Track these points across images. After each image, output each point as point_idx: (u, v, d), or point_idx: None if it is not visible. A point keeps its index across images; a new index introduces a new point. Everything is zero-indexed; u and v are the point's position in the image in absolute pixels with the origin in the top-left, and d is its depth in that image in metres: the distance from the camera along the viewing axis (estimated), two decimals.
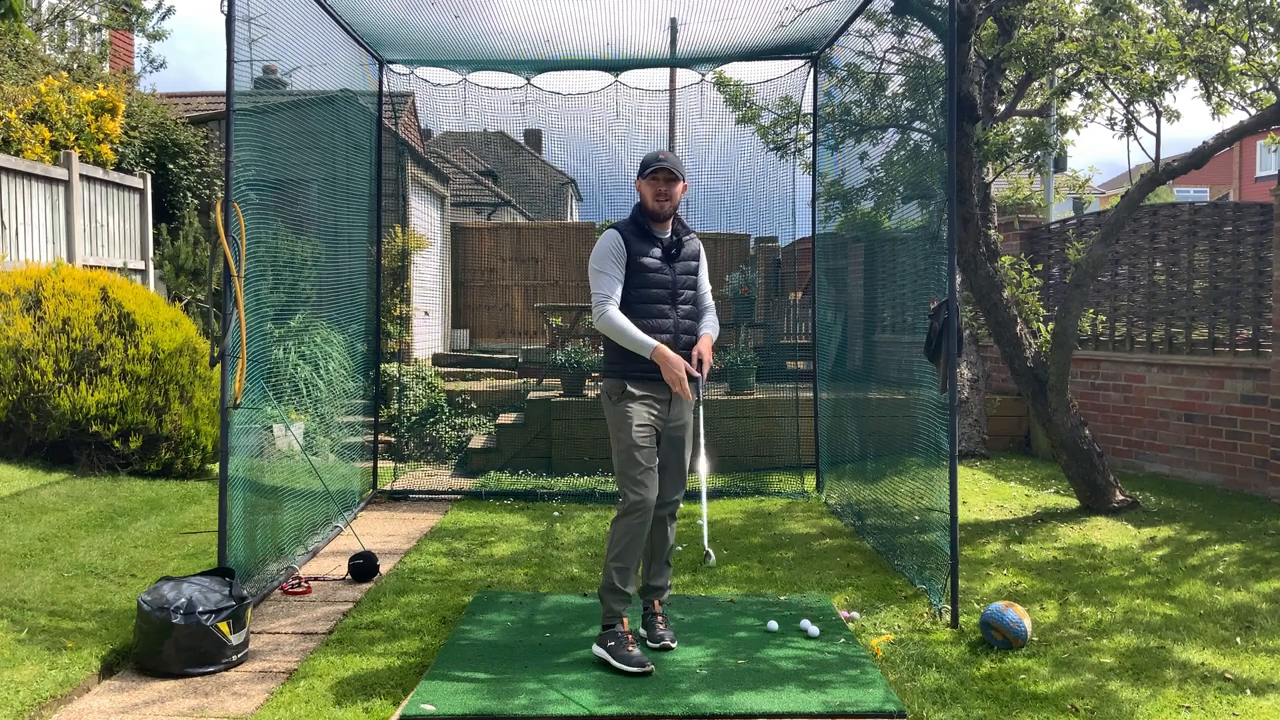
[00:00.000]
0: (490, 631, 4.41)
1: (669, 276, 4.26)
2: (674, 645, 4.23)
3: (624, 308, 4.19)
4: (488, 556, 5.81)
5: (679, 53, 7.32)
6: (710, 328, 4.37)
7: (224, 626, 3.98)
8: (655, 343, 4.10)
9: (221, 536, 4.54)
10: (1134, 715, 3.57)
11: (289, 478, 6.29)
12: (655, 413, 4.20)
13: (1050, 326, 6.78)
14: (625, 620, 4.10)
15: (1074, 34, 6.22)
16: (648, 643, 4.22)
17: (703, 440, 4.27)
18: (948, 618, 4.54)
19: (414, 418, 9.74)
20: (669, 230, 4.33)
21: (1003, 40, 6.38)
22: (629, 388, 4.18)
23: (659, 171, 4.21)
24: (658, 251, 4.24)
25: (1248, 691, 3.78)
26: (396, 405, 9.66)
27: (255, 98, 5.18)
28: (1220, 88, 6.03)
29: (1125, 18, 5.93)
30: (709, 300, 4.45)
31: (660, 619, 4.34)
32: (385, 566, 5.51)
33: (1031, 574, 5.30)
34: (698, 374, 4.16)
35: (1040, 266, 8.34)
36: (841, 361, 7.61)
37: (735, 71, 7.67)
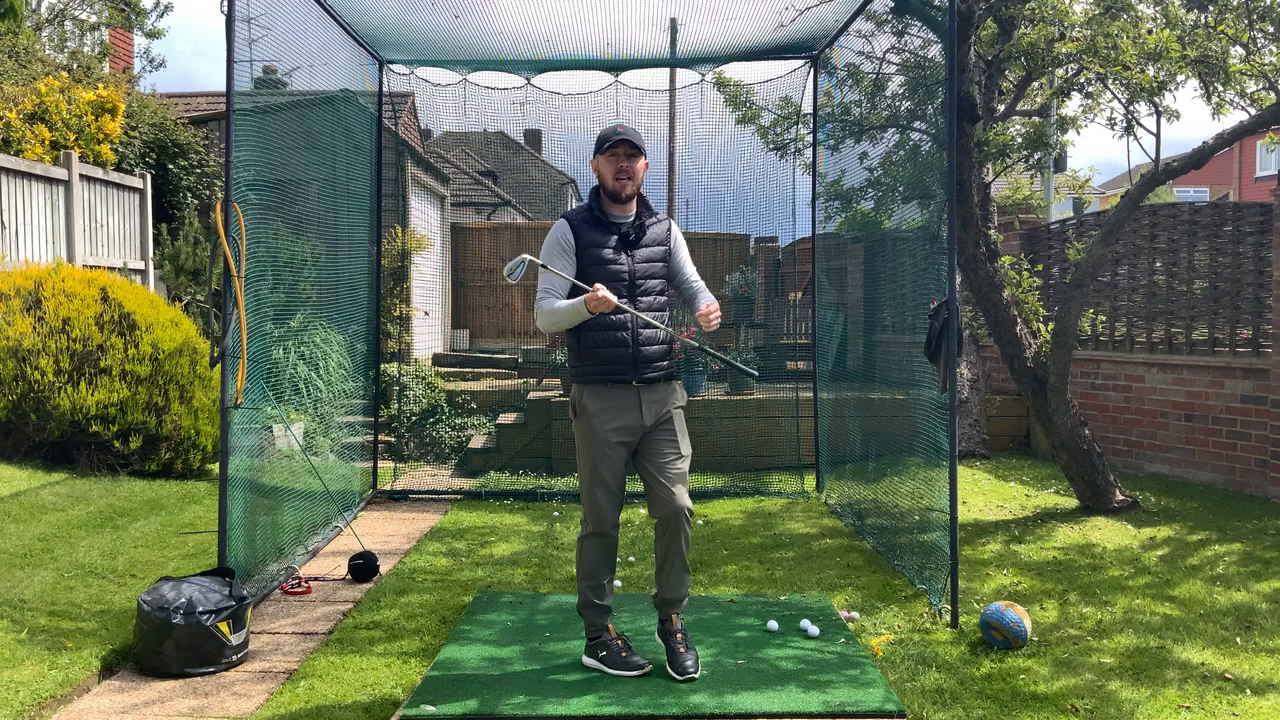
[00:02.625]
0: (490, 631, 4.41)
1: (625, 267, 3.83)
2: (697, 675, 3.82)
3: None
4: (488, 556, 5.81)
5: (679, 53, 7.32)
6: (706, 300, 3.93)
7: (224, 626, 3.98)
8: (583, 297, 3.69)
9: (221, 536, 4.54)
10: (1134, 715, 3.58)
11: (289, 478, 6.29)
12: (624, 423, 3.84)
13: (1050, 326, 6.78)
14: (611, 627, 4.00)
15: (1074, 34, 6.22)
16: (670, 670, 3.84)
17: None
18: (948, 618, 4.54)
19: (414, 418, 9.74)
20: (631, 212, 3.91)
21: (1003, 40, 6.38)
22: (586, 399, 3.86)
23: (619, 145, 3.78)
24: (613, 239, 3.84)
25: (1248, 691, 3.78)
26: (396, 405, 9.66)
27: (255, 98, 5.18)
28: (1220, 88, 6.03)
29: (1125, 18, 5.93)
30: (697, 284, 4.03)
31: (679, 638, 3.93)
32: (385, 566, 5.51)
33: (1031, 574, 5.30)
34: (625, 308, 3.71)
35: (1040, 266, 8.34)
36: (841, 361, 7.61)
37: (735, 71, 7.67)
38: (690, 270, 4.05)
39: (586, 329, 3.85)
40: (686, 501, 3.88)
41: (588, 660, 4.00)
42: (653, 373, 3.90)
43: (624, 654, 3.93)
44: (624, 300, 3.82)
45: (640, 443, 3.92)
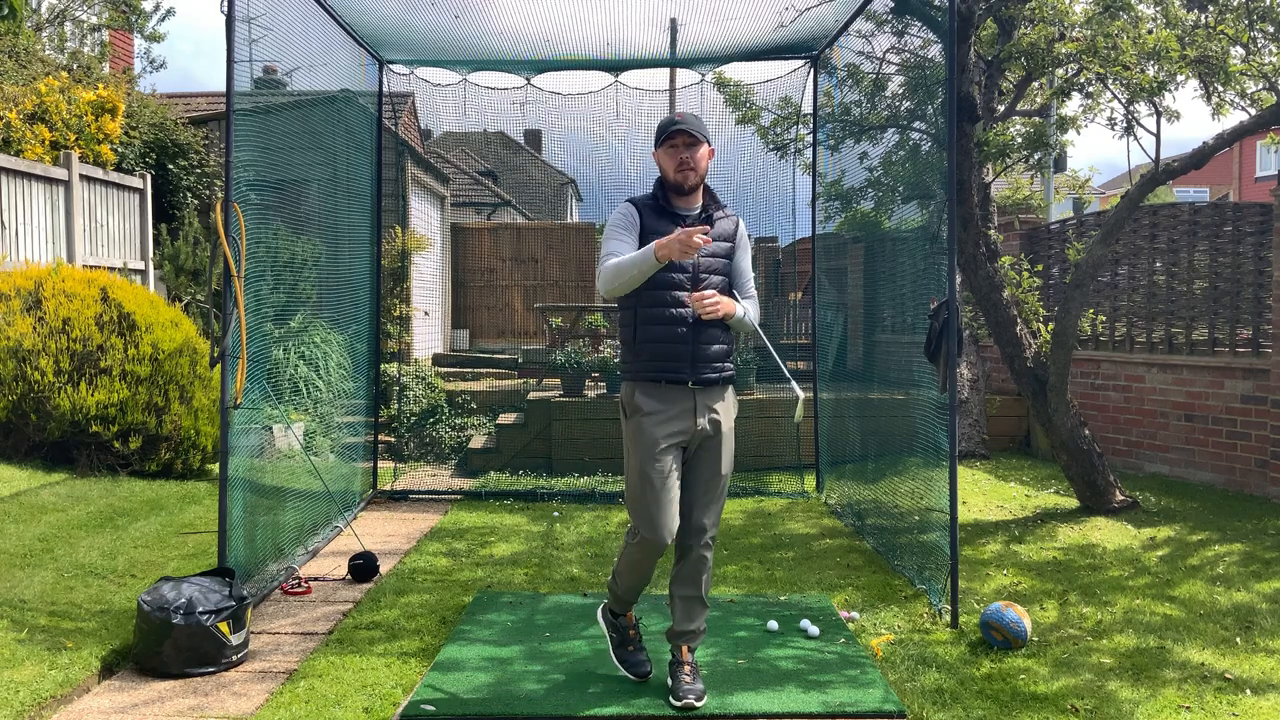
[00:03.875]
0: (490, 631, 4.41)
1: (689, 259, 3.59)
2: (699, 705, 3.57)
3: (633, 299, 3.62)
4: (488, 556, 5.81)
5: (679, 53, 7.32)
6: (743, 306, 3.71)
7: (224, 626, 3.98)
8: (650, 245, 3.45)
9: (221, 536, 4.54)
10: (1134, 715, 3.57)
11: (289, 478, 6.29)
12: (676, 427, 3.62)
13: (1050, 326, 6.78)
14: (631, 614, 3.91)
15: (1074, 34, 6.22)
16: (669, 698, 3.63)
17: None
18: (948, 618, 4.54)
19: (414, 418, 9.74)
20: (696, 205, 3.72)
21: (1003, 40, 6.38)
22: (639, 399, 3.63)
23: (677, 135, 3.60)
24: (677, 230, 3.54)
25: (1248, 691, 3.78)
26: (396, 405, 9.66)
27: (255, 98, 5.18)
28: (1220, 88, 6.03)
29: (1125, 18, 5.93)
30: (751, 290, 3.81)
31: (687, 669, 3.69)
32: (385, 566, 5.51)
33: (1031, 574, 5.30)
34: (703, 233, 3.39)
35: (1040, 266, 8.34)
36: (841, 362, 7.61)
37: (735, 72, 7.67)
38: (747, 275, 3.82)
39: (643, 322, 3.64)
40: (709, 530, 3.70)
41: (600, 619, 3.95)
42: (711, 373, 3.68)
43: (632, 649, 3.85)
44: (684, 293, 3.61)
45: (686, 450, 3.72)
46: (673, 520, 3.60)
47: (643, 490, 3.59)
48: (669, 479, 3.60)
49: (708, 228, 3.55)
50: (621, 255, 3.58)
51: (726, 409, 3.77)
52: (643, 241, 3.62)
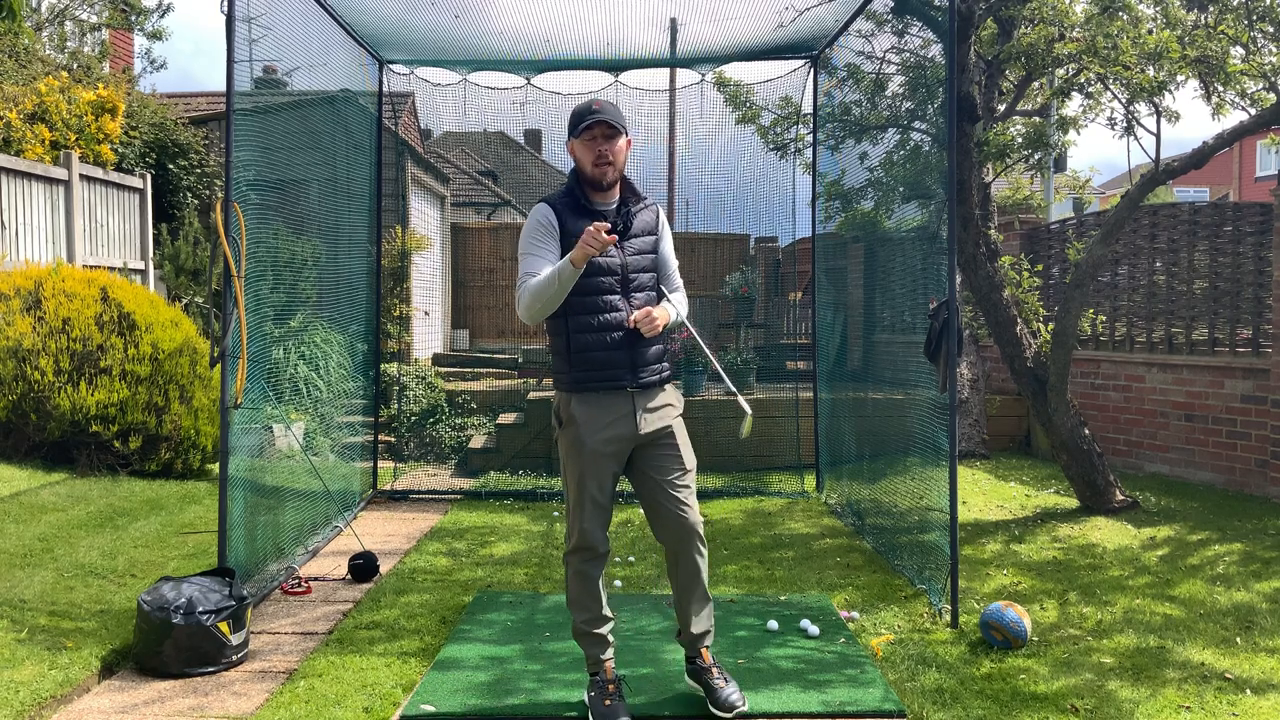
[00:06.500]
0: (490, 631, 4.41)
1: (617, 260, 3.44)
2: (745, 706, 3.49)
3: (562, 307, 3.41)
4: (488, 556, 5.81)
5: (679, 53, 7.32)
6: (673, 306, 3.59)
7: (224, 626, 3.98)
8: (565, 259, 3.28)
9: (221, 536, 4.54)
10: (1134, 715, 3.57)
11: (289, 478, 6.29)
12: (616, 432, 3.48)
13: (1050, 326, 6.78)
14: (609, 666, 3.57)
15: (1074, 34, 6.22)
16: (712, 709, 3.49)
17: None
18: (948, 618, 4.54)
19: (414, 418, 9.74)
20: (614, 199, 3.51)
21: (1003, 40, 6.38)
22: (574, 408, 3.47)
23: (595, 126, 3.38)
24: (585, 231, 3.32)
25: (1248, 691, 3.78)
26: (396, 405, 9.66)
27: (255, 98, 5.18)
28: (1220, 88, 6.03)
29: (1125, 18, 5.93)
30: (677, 280, 3.67)
31: (715, 673, 3.57)
32: (385, 566, 5.51)
33: (1031, 574, 5.30)
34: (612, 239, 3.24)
35: (1040, 266, 8.34)
36: (841, 361, 7.61)
37: (735, 72, 7.67)
38: (672, 265, 3.67)
39: (576, 331, 3.46)
40: (698, 523, 3.55)
41: (585, 698, 3.66)
42: (650, 376, 3.53)
43: (607, 702, 3.47)
44: (615, 296, 3.46)
45: (637, 456, 3.56)
46: (605, 530, 3.55)
47: (580, 500, 3.51)
48: (606, 489, 3.52)
49: (608, 225, 3.30)
50: (535, 275, 3.38)
51: (668, 403, 3.60)
52: (565, 245, 3.42)
